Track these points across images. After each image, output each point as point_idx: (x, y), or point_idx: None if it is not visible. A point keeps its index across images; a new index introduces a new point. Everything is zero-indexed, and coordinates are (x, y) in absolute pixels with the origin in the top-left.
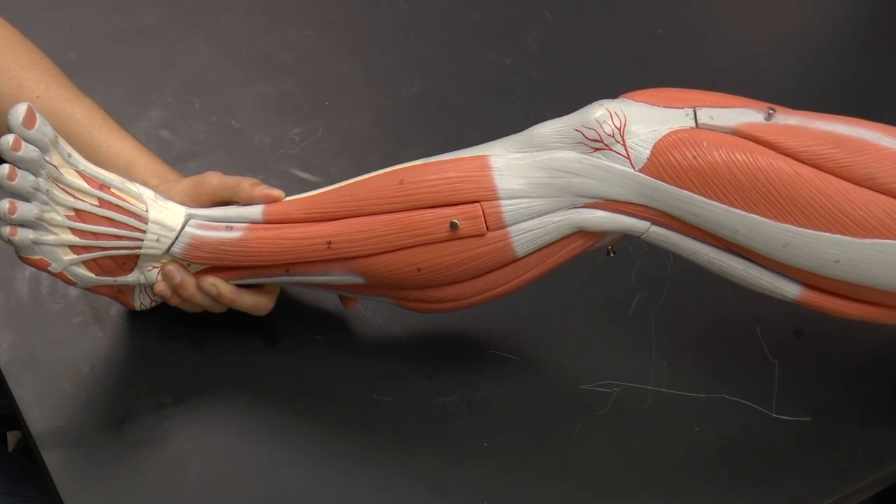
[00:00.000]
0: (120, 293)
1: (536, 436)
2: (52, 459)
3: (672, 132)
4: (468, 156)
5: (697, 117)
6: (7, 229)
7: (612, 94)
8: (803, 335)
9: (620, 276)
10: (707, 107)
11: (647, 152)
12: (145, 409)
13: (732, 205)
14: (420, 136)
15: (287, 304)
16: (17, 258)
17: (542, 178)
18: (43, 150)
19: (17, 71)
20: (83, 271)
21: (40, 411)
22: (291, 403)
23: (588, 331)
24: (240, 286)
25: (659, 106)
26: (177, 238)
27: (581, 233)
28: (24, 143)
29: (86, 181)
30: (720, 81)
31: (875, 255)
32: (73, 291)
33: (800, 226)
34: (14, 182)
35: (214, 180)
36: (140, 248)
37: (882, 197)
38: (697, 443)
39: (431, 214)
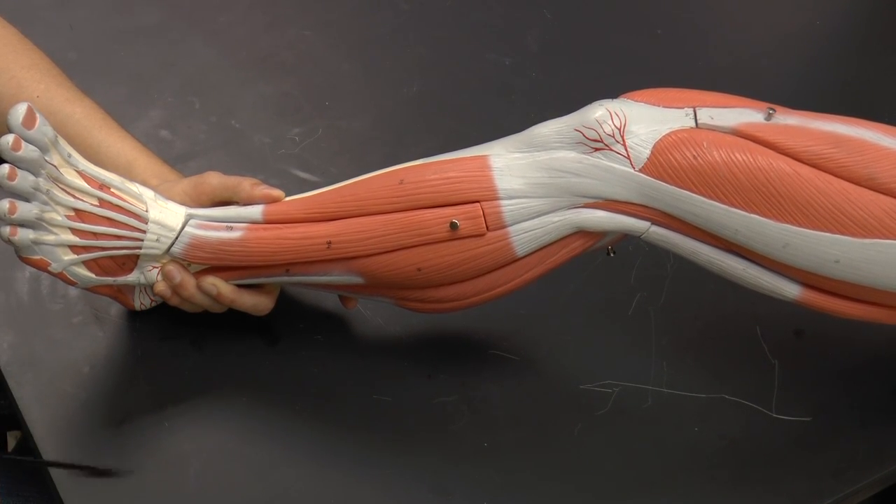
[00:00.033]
0: (120, 293)
1: (536, 436)
2: (52, 459)
3: (672, 132)
4: (468, 156)
5: (697, 117)
6: (7, 229)
7: (612, 94)
8: (803, 335)
9: (620, 276)
10: (707, 107)
11: (647, 152)
12: (145, 409)
13: (732, 205)
14: (420, 136)
15: (287, 304)
16: (17, 258)
17: (542, 178)
18: (43, 150)
19: (17, 71)
20: (83, 271)
21: (40, 411)
22: (291, 403)
23: (588, 331)
24: (240, 286)
25: (659, 106)
26: (177, 238)
27: (581, 233)
28: (24, 143)
29: (86, 181)
30: (720, 81)
31: (875, 255)
32: (73, 291)
33: (800, 226)
34: (14, 182)
35: (214, 180)
36: (140, 248)
37: (882, 197)
38: (697, 443)
39: (431, 214)
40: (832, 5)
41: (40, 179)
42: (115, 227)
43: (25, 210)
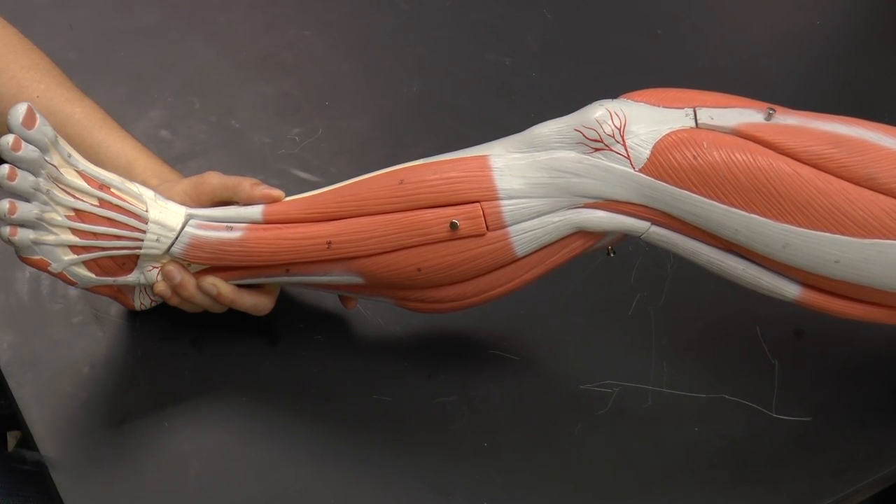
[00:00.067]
0: (120, 293)
1: (536, 436)
2: (53, 459)
3: (672, 132)
4: (468, 156)
5: (697, 117)
6: (7, 229)
7: (612, 94)
8: (803, 335)
9: (620, 276)
10: (707, 107)
11: (647, 152)
12: (145, 409)
13: (732, 205)
14: (420, 136)
15: (287, 304)
16: (17, 258)
17: (543, 178)
18: (43, 150)
19: (17, 71)
20: (83, 271)
21: (40, 411)
22: (291, 403)
23: (588, 331)
24: (240, 286)
25: (659, 106)
26: (177, 238)
27: (581, 233)
28: (24, 144)
29: (86, 181)
30: (720, 81)
31: (875, 255)
32: (73, 291)
33: (800, 226)
34: (14, 182)
35: (214, 180)
36: (140, 248)
37: (882, 197)
38: (697, 443)
39: (431, 214)
40: (832, 5)
41: (40, 179)
42: (115, 228)
43: (25, 210)
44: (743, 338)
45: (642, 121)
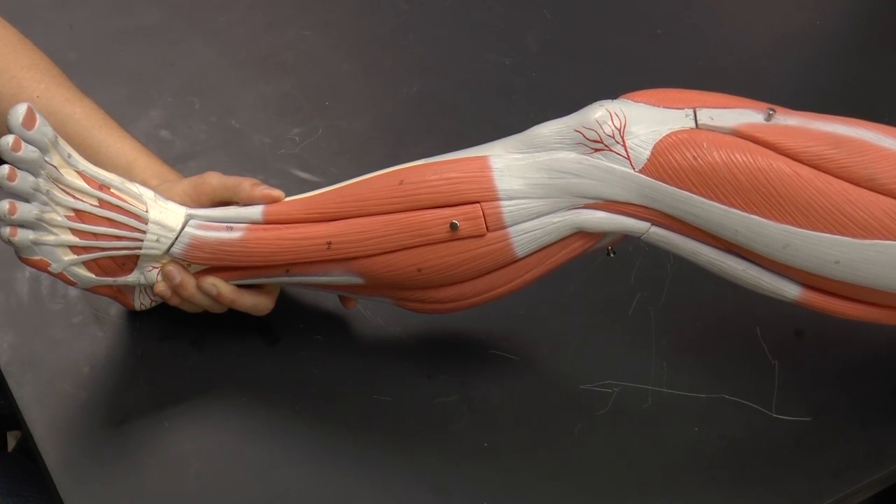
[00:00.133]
0: (120, 293)
1: (536, 436)
2: (52, 459)
3: (672, 133)
4: (468, 156)
5: (697, 118)
6: (7, 230)
7: (612, 94)
8: (803, 335)
9: (620, 276)
10: (707, 107)
11: (647, 153)
12: (145, 409)
13: (732, 205)
14: (420, 136)
15: (287, 304)
16: (17, 258)
17: (542, 178)
18: (43, 150)
19: (17, 71)
20: (83, 272)
21: (40, 411)
22: (291, 403)
23: (588, 331)
24: (240, 286)
25: (659, 106)
26: (177, 238)
27: (581, 233)
28: (23, 144)
29: (86, 181)
30: (720, 81)
31: (875, 255)
32: (73, 291)
33: (800, 226)
34: (14, 183)
35: (214, 180)
36: (140, 248)
37: (882, 198)
38: (697, 443)
39: (431, 215)
40: (832, 5)
41: (40, 180)
42: (115, 228)
43: (25, 210)
44: (743, 338)
45: (642, 121)
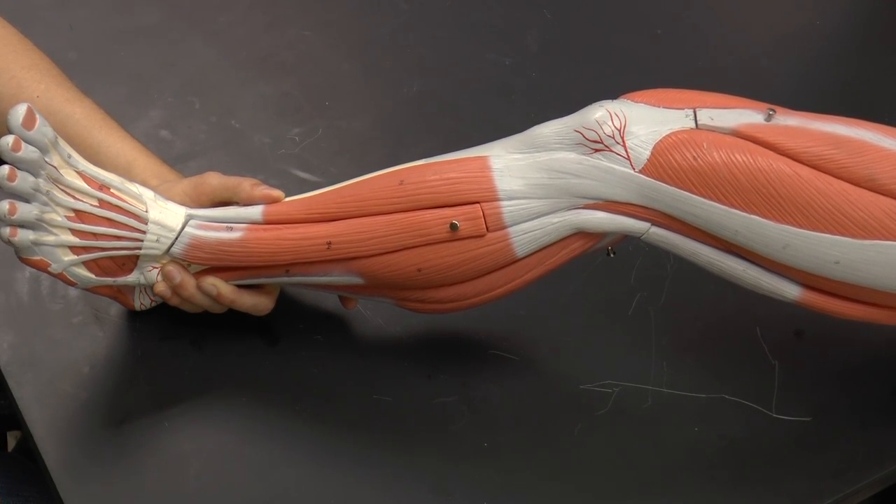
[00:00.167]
0: (120, 293)
1: (536, 436)
2: (52, 459)
3: (672, 133)
4: (468, 156)
5: (697, 118)
6: (7, 230)
7: (612, 94)
8: (803, 335)
9: (620, 276)
10: (707, 107)
11: (647, 153)
12: (145, 409)
13: (732, 206)
14: (420, 136)
15: (287, 304)
16: (17, 259)
17: (542, 178)
18: (43, 150)
19: (17, 71)
20: (83, 272)
21: (40, 411)
22: (291, 403)
23: (588, 331)
24: (240, 286)
25: (659, 107)
26: (177, 238)
27: (581, 234)
28: (23, 144)
29: (86, 182)
30: (720, 81)
31: (875, 256)
32: (73, 291)
33: (800, 227)
34: (14, 183)
35: (214, 180)
36: (140, 248)
37: (882, 198)
38: (697, 443)
39: (431, 215)
40: (832, 5)
41: (40, 180)
42: (115, 228)
43: (25, 211)
44: (743, 338)
45: (642, 121)
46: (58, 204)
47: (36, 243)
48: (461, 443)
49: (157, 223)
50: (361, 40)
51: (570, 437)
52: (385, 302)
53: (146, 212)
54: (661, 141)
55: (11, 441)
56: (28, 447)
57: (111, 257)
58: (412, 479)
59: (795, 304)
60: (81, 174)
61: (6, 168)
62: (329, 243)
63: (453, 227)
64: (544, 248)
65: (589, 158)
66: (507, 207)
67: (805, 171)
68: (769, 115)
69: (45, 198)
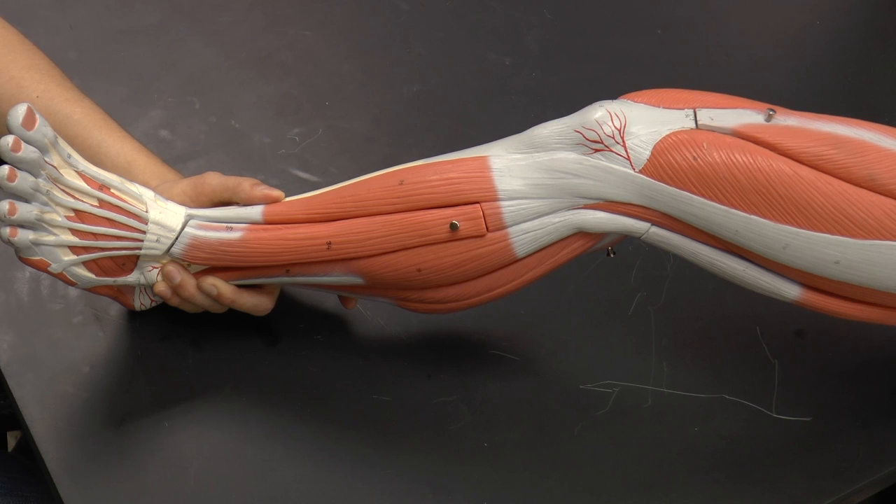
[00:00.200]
0: (120, 293)
1: (536, 436)
2: (52, 459)
3: (672, 133)
4: (468, 156)
5: (697, 118)
6: (7, 230)
7: (612, 94)
8: (803, 335)
9: (620, 276)
10: (707, 107)
11: (647, 153)
12: (145, 409)
13: (732, 206)
14: (420, 136)
15: (287, 304)
16: (17, 259)
17: (542, 178)
18: (43, 150)
19: (17, 71)
20: (83, 272)
21: (40, 411)
22: (291, 403)
23: (588, 331)
24: (240, 286)
25: (659, 107)
26: (177, 238)
27: (581, 234)
28: (23, 144)
29: (85, 182)
30: (720, 81)
31: (875, 256)
32: (73, 291)
33: (799, 227)
34: (14, 183)
35: (214, 181)
36: (140, 248)
37: (882, 198)
38: (697, 443)
39: (431, 215)
40: (832, 5)
41: (40, 180)
42: (115, 228)
43: (25, 211)
44: (743, 338)
45: (642, 122)
46: (58, 204)
47: (36, 243)
48: (461, 443)
49: (157, 223)
50: (361, 40)
51: (570, 437)
52: (385, 302)
53: (146, 212)
54: (661, 141)
55: (11, 441)
56: (28, 447)
57: (111, 257)
58: (412, 478)
59: (795, 304)
60: (81, 174)
61: (6, 168)
62: (329, 243)
63: (453, 227)
64: (544, 248)
65: (589, 158)
66: (507, 207)
67: (805, 172)
68: (769, 115)
69: (44, 198)
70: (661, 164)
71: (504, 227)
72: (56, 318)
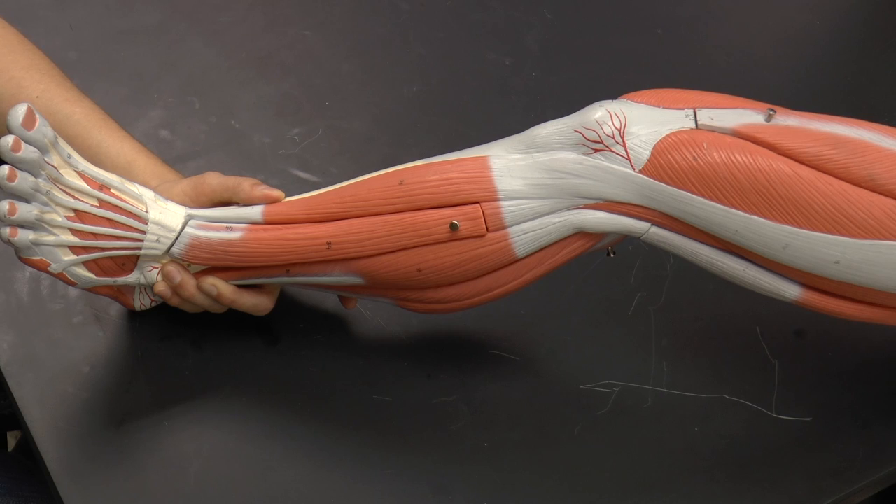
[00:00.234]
0: (120, 293)
1: (536, 436)
2: (52, 459)
3: (672, 133)
4: (468, 156)
5: (697, 118)
6: (7, 230)
7: (612, 94)
8: (803, 335)
9: (620, 276)
10: (707, 107)
11: (647, 153)
12: (145, 408)
13: (732, 206)
14: (420, 136)
15: (287, 304)
16: (17, 258)
17: (543, 178)
18: (43, 150)
19: (17, 71)
20: (83, 272)
21: (40, 411)
22: (291, 403)
23: (588, 331)
24: (240, 286)
25: (659, 107)
26: (177, 238)
27: (581, 234)
28: (23, 144)
29: (85, 182)
30: (720, 81)
31: (875, 256)
32: (73, 291)
33: (799, 227)
34: (14, 183)
35: (214, 180)
36: (140, 248)
37: (882, 198)
38: (697, 443)
39: (431, 215)
40: (832, 5)
41: (40, 180)
42: (115, 228)
43: (25, 211)
44: (743, 338)
45: (642, 122)
46: (58, 204)
47: (36, 243)
48: (461, 443)
49: (157, 223)
50: (361, 40)
51: (570, 437)
52: (385, 302)
53: (146, 212)
54: (661, 141)
55: (11, 441)
56: (28, 447)
57: (111, 257)
58: (412, 478)
59: (795, 304)
60: (81, 174)
61: (6, 168)
62: (329, 243)
63: (453, 227)
64: (544, 248)
65: (589, 158)
66: (507, 207)
67: (805, 171)
68: (769, 115)
69: (44, 198)
70: (661, 164)
71: (504, 227)
72: (56, 318)
